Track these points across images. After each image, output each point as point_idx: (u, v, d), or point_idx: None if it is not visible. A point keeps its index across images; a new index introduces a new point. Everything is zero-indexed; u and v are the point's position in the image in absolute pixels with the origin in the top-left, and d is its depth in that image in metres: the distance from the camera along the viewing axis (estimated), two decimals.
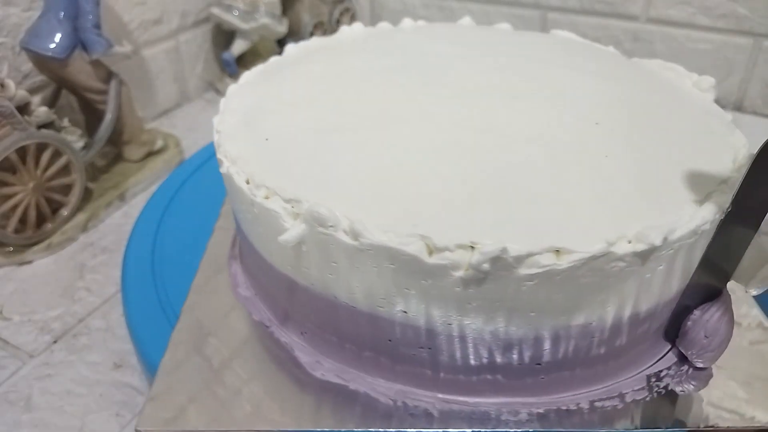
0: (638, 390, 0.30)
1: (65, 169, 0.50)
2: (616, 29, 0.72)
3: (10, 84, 0.46)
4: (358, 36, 0.45)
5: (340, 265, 0.28)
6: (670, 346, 0.32)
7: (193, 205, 0.45)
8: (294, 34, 0.76)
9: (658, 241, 0.25)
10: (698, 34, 0.68)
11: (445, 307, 0.27)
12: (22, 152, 0.47)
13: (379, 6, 0.86)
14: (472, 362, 0.29)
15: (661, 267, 0.27)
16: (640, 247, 0.25)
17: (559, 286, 0.25)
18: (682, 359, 0.32)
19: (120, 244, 0.49)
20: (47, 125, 0.49)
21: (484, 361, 0.29)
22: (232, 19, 0.70)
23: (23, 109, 0.47)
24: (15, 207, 0.47)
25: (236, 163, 0.31)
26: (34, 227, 0.49)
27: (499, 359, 0.28)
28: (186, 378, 0.32)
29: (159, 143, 0.61)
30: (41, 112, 0.49)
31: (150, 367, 0.32)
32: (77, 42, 0.51)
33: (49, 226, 0.50)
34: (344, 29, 0.46)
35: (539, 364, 0.29)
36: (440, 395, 0.30)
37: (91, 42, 0.51)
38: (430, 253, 0.25)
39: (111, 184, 0.56)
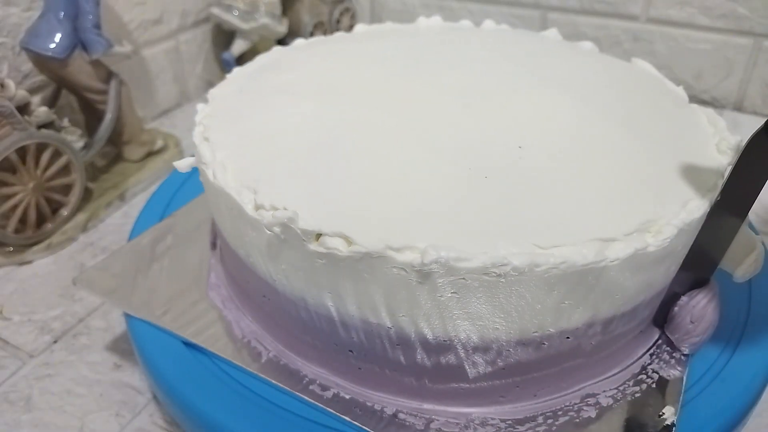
0: (444, 421, 0.29)
1: (65, 169, 0.50)
2: (616, 29, 0.72)
3: (10, 84, 0.46)
4: (433, 28, 0.47)
5: (211, 202, 0.32)
6: (496, 398, 0.30)
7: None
8: (294, 34, 0.76)
9: (427, 259, 0.23)
10: (698, 34, 0.68)
11: (264, 261, 0.29)
12: (22, 152, 0.47)
13: (379, 6, 0.86)
14: (291, 317, 0.30)
15: (449, 295, 0.25)
16: (417, 260, 0.24)
17: (345, 274, 0.26)
18: (670, 345, 0.32)
19: (120, 244, 0.49)
20: (47, 125, 0.49)
21: (297, 319, 0.30)
22: (232, 19, 0.70)
23: (23, 109, 0.47)
24: (15, 207, 0.47)
25: (202, 113, 0.36)
26: (34, 227, 0.49)
27: (307, 322, 0.29)
28: (131, 262, 0.39)
29: (159, 143, 0.61)
30: (41, 112, 0.48)
31: (150, 367, 0.33)
32: (77, 42, 0.51)
33: (49, 226, 0.50)
34: (421, 20, 0.48)
35: (351, 351, 0.29)
36: (280, 346, 0.33)
37: (91, 42, 0.51)
38: (256, 208, 0.27)
39: (111, 184, 0.56)
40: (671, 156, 0.31)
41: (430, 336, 0.27)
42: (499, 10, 0.77)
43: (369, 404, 0.30)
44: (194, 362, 0.33)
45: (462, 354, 0.27)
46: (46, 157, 0.48)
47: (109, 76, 0.55)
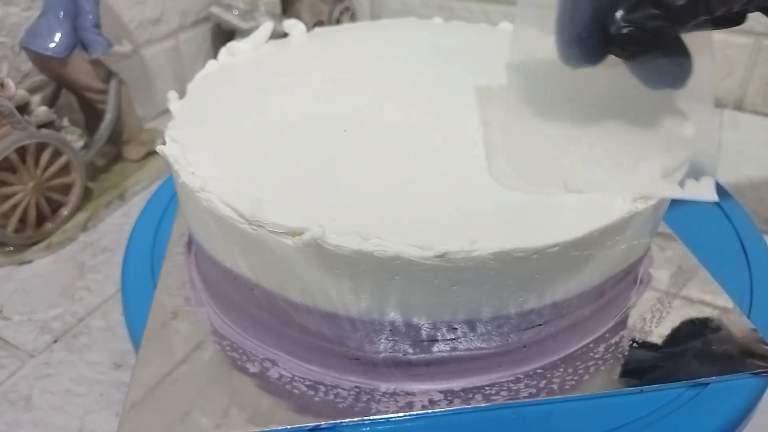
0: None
1: (65, 169, 0.50)
2: None
3: (10, 83, 0.46)
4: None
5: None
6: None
7: None
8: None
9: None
10: None
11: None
12: (21, 152, 0.46)
13: (379, 5, 0.86)
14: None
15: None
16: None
17: (220, 225, 0.29)
18: None
19: (120, 243, 0.48)
20: (47, 125, 0.49)
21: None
22: (232, 19, 0.70)
23: (23, 108, 0.47)
24: (15, 206, 0.47)
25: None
26: (34, 227, 0.49)
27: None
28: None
29: (159, 143, 0.61)
30: (41, 111, 0.48)
31: None
32: (77, 41, 0.51)
33: (49, 225, 0.50)
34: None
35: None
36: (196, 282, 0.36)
37: (91, 41, 0.51)
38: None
39: (111, 183, 0.56)
40: None
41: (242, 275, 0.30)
42: (498, 9, 0.77)
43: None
44: None
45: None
46: (45, 156, 0.48)
47: (109, 75, 0.55)
